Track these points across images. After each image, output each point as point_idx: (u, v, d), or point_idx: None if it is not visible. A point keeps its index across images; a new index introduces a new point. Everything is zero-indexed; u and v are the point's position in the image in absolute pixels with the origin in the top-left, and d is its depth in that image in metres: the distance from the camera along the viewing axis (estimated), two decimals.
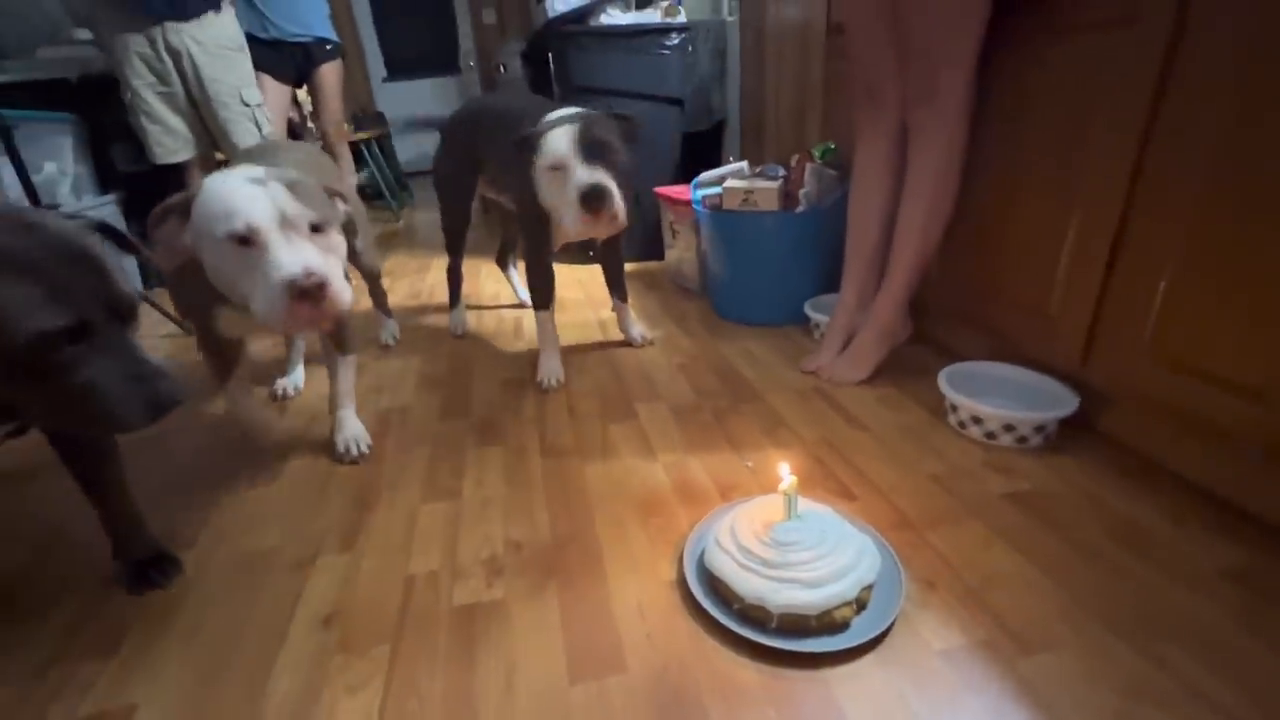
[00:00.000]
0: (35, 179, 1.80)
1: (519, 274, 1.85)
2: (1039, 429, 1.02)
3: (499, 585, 0.79)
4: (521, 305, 1.87)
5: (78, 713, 0.65)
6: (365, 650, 0.71)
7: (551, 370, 1.35)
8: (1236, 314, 0.80)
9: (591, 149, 1.12)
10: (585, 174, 1.10)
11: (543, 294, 1.36)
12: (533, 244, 1.33)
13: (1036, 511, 0.88)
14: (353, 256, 1.29)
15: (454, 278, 1.69)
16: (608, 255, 1.49)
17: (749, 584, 0.70)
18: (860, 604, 0.71)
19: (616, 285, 1.51)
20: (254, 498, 1.01)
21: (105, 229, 0.68)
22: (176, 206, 0.79)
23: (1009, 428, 1.03)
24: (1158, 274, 0.90)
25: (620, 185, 1.13)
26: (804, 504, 0.79)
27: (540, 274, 1.35)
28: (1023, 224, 1.12)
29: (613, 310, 1.56)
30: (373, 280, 1.56)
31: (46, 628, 0.77)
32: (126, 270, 1.46)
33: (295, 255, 0.75)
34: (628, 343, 1.54)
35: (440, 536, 0.89)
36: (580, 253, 2.14)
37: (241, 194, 0.76)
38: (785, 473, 0.76)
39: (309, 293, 0.75)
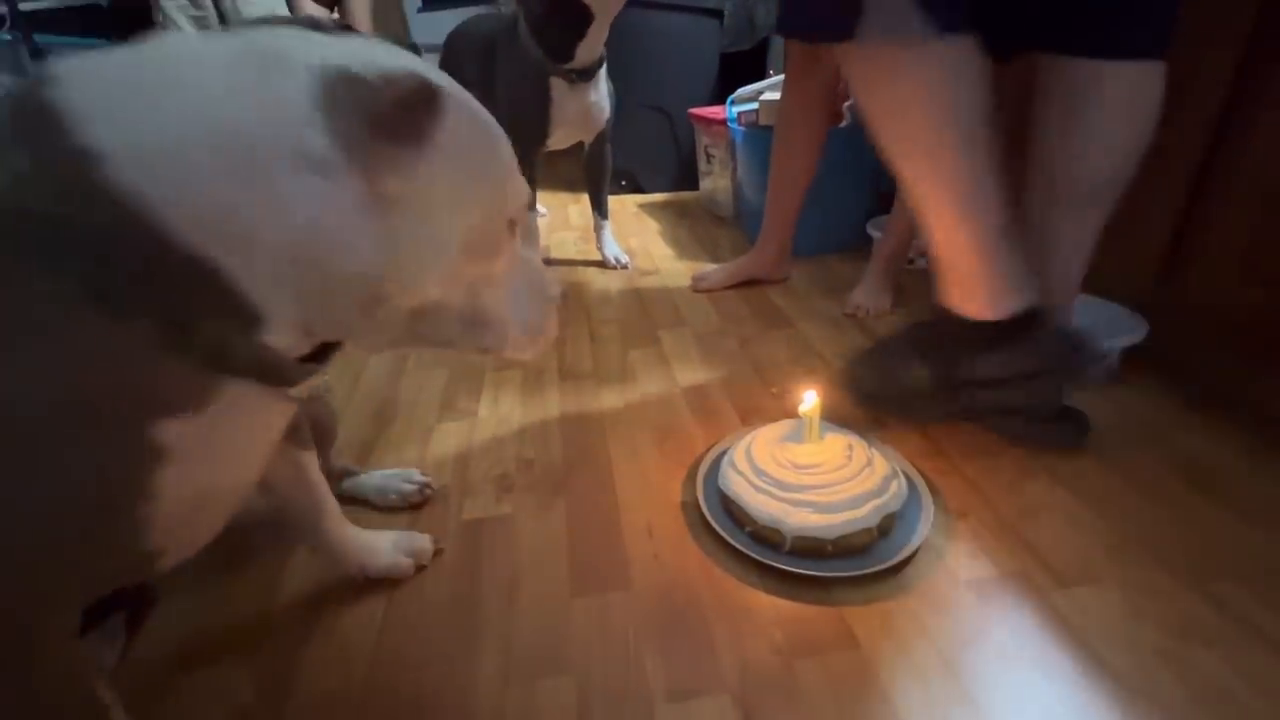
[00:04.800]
0: None
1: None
2: (1100, 359, 0.93)
3: (508, 501, 0.78)
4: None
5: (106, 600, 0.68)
6: None
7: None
8: None
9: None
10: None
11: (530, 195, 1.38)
12: (523, 146, 1.37)
13: (1089, 444, 0.80)
14: None
15: None
16: (593, 162, 1.48)
17: (763, 506, 0.67)
18: (882, 531, 0.66)
19: (598, 198, 1.50)
20: None
21: None
22: (402, 117, 0.35)
23: None
24: (1252, 187, 0.78)
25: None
26: (828, 429, 0.74)
27: (527, 176, 1.36)
28: None
29: (594, 230, 1.54)
30: None
31: None
32: None
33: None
34: (602, 263, 1.53)
35: (453, 454, 0.88)
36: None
37: (507, 143, 0.42)
38: (810, 397, 0.71)
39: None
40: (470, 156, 0.36)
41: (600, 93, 1.33)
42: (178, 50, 0.30)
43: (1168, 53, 0.72)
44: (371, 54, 0.32)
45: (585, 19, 1.15)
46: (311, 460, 0.59)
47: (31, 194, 0.26)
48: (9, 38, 1.62)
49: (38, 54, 1.66)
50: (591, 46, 1.21)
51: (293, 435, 0.54)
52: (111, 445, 0.29)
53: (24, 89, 0.28)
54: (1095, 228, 0.81)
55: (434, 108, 0.32)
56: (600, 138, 1.42)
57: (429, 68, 0.35)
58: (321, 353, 0.39)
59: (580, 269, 1.54)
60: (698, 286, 1.36)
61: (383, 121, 0.30)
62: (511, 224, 0.42)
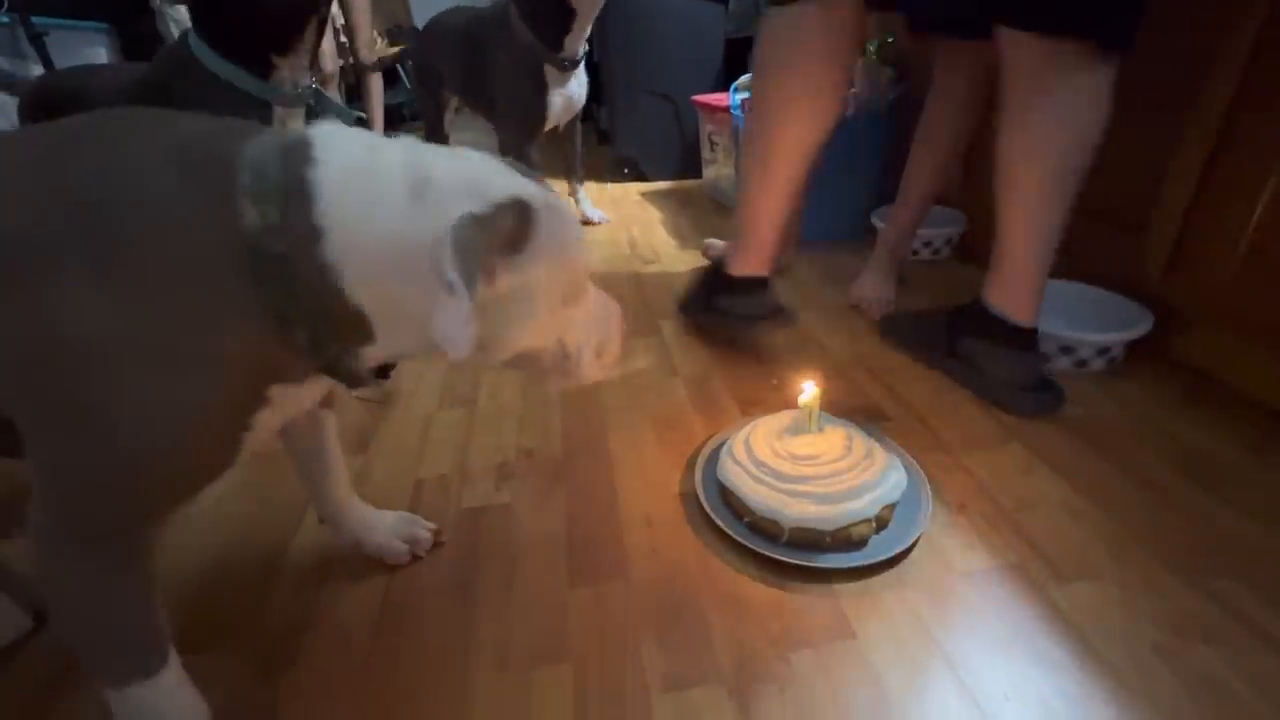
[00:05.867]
0: None
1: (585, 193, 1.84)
2: (1102, 351, 0.92)
3: (507, 490, 0.78)
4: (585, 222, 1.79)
5: None
6: None
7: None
8: None
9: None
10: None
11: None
12: (526, 130, 1.48)
13: (1088, 437, 0.80)
14: None
15: None
16: (569, 136, 1.67)
17: (761, 496, 0.67)
18: (880, 523, 0.66)
19: (574, 165, 1.73)
20: None
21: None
22: (512, 237, 0.43)
23: (1067, 349, 0.93)
24: (1264, 177, 0.77)
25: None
26: (827, 420, 0.74)
27: (529, 159, 1.47)
28: None
29: (570, 194, 1.74)
30: None
31: None
32: None
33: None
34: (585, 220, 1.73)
35: (453, 442, 0.88)
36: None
37: (574, 219, 0.49)
38: (809, 388, 0.70)
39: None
40: (560, 240, 0.45)
41: (581, 80, 1.49)
42: (385, 160, 0.40)
43: (1128, 45, 0.73)
44: (482, 177, 0.42)
45: (571, 15, 1.29)
46: (330, 420, 0.64)
47: (273, 239, 0.38)
48: (7, 20, 1.61)
49: (35, 37, 1.64)
50: (577, 39, 1.35)
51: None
52: (245, 393, 0.42)
53: (294, 152, 0.39)
54: (1057, 215, 0.80)
55: (530, 219, 0.42)
56: (575, 117, 1.61)
57: (523, 184, 0.44)
58: (386, 370, 0.50)
59: None
60: (708, 252, 1.39)
61: (497, 245, 0.41)
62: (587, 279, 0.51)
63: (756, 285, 1.03)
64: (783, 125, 0.91)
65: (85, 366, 0.36)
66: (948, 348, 0.94)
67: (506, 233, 0.41)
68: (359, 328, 0.42)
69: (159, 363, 0.37)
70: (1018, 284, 0.85)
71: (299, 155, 0.39)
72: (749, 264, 1.02)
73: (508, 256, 0.42)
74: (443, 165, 0.41)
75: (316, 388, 0.48)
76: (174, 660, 0.47)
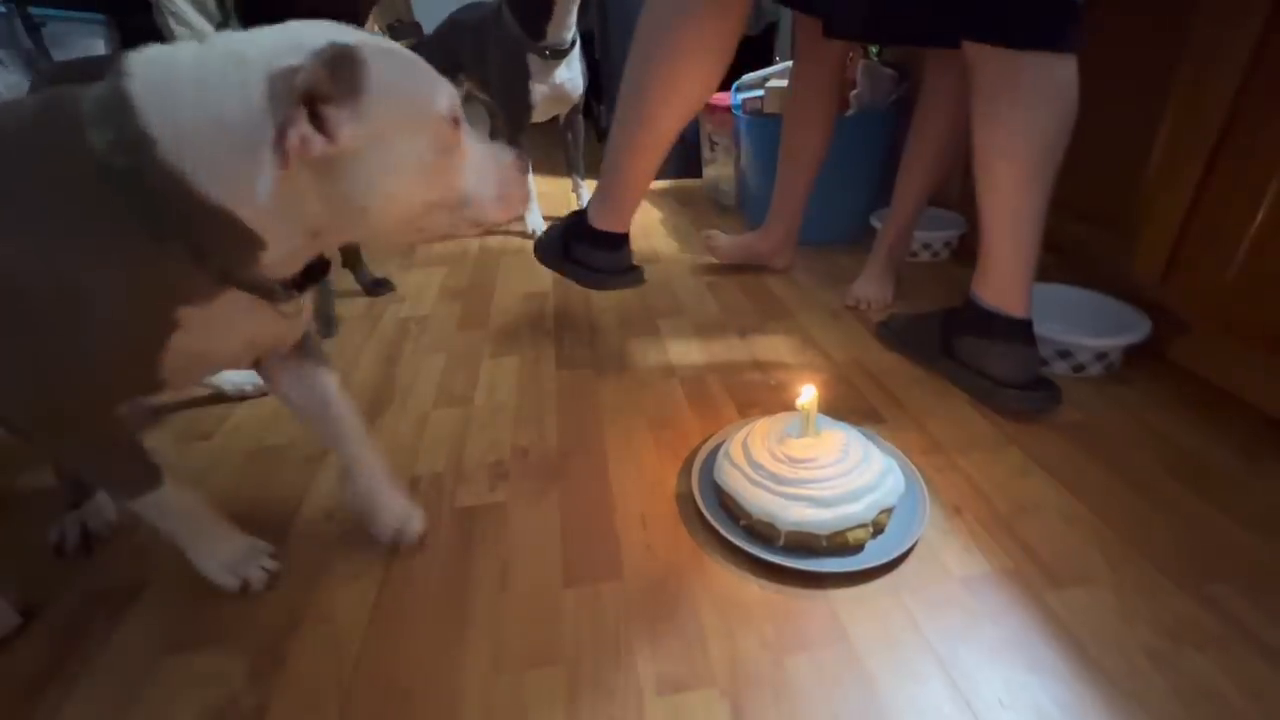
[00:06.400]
0: None
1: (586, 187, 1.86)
2: (1100, 356, 0.92)
3: (502, 489, 0.78)
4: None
5: (97, 584, 0.68)
6: (366, 543, 0.70)
7: (533, 223, 1.67)
8: None
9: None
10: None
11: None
12: (513, 115, 1.54)
13: (1085, 442, 0.80)
14: None
15: None
16: (568, 129, 1.70)
17: (758, 499, 0.66)
18: (877, 527, 0.66)
19: (574, 159, 1.76)
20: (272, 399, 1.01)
21: None
22: (331, 86, 0.41)
23: (1064, 354, 0.93)
24: (1265, 181, 0.77)
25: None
26: (825, 423, 0.73)
27: (518, 144, 1.51)
28: (1102, 122, 0.98)
29: (573, 189, 1.79)
30: None
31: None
32: None
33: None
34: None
35: (448, 440, 0.88)
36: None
37: (424, 64, 0.49)
38: (808, 390, 0.70)
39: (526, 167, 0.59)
40: (403, 85, 0.45)
41: (574, 70, 1.50)
42: (201, 55, 0.41)
43: (1078, 48, 0.75)
44: (302, 37, 0.42)
45: (550, 3, 1.32)
46: (328, 378, 0.66)
47: (116, 156, 0.40)
48: (4, 10, 1.59)
49: (33, 27, 1.63)
50: (558, 26, 1.37)
51: (307, 351, 0.65)
52: (146, 315, 0.46)
53: (116, 76, 0.41)
54: (1037, 205, 0.82)
55: (356, 64, 0.42)
56: (574, 109, 1.63)
57: (351, 35, 0.44)
58: (304, 283, 0.53)
59: None
60: (708, 243, 1.40)
61: (324, 92, 0.40)
62: (454, 120, 0.50)
63: (617, 241, 1.04)
64: (669, 80, 0.90)
65: None
66: (943, 348, 0.94)
67: (329, 79, 0.40)
68: (233, 228, 0.43)
69: (55, 289, 0.42)
70: (1007, 278, 0.85)
71: (117, 76, 0.41)
72: (610, 220, 1.03)
73: (343, 107, 0.41)
74: (261, 39, 0.42)
75: (247, 317, 0.50)
76: (167, 477, 0.59)
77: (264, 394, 0.99)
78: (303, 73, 0.39)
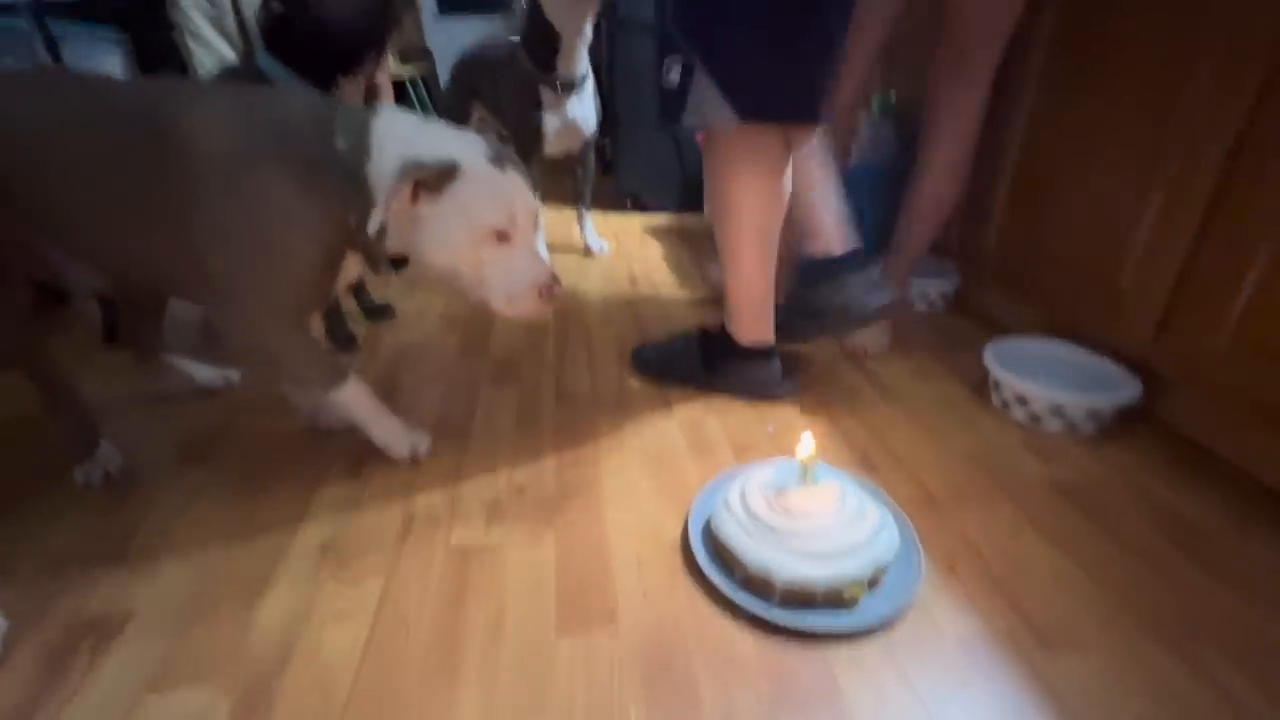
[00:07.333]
0: None
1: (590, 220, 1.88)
2: (1092, 415, 0.93)
3: (497, 530, 0.77)
4: (586, 252, 1.83)
5: (81, 613, 0.67)
6: (358, 580, 0.70)
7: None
8: None
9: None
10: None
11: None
12: (525, 146, 1.58)
13: (1078, 501, 0.81)
14: None
15: None
16: (580, 163, 1.74)
17: (755, 552, 0.66)
18: (872, 583, 0.66)
19: (582, 191, 1.78)
20: (268, 419, 1.01)
21: None
22: (431, 180, 0.70)
23: (1058, 412, 0.94)
24: (1255, 247, 0.79)
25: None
26: (824, 470, 0.74)
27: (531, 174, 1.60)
28: (1096, 186, 1.01)
29: (578, 220, 1.82)
30: None
31: (61, 524, 0.79)
32: None
33: (542, 254, 0.73)
34: (586, 249, 1.82)
35: (445, 473, 0.87)
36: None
37: (506, 183, 0.73)
38: (807, 440, 0.71)
39: (551, 290, 0.78)
40: (471, 197, 0.72)
41: (586, 108, 1.54)
42: (411, 128, 0.72)
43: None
44: (449, 147, 0.72)
45: (557, 38, 1.38)
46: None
47: (348, 155, 0.70)
48: (25, 25, 1.62)
49: (51, 43, 1.65)
50: (568, 61, 1.43)
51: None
52: (337, 251, 0.75)
53: (365, 111, 0.73)
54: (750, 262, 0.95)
55: (454, 175, 0.71)
56: (586, 146, 1.68)
57: (472, 154, 0.72)
58: (400, 261, 0.79)
59: (582, 291, 1.54)
60: (707, 277, 1.44)
61: (426, 181, 0.70)
62: (502, 234, 0.74)
63: (770, 352, 1.04)
64: (756, 223, 0.94)
65: (267, 226, 0.70)
66: (703, 368, 1.06)
67: (429, 176, 0.69)
68: (369, 203, 0.70)
69: (298, 225, 0.71)
70: (743, 314, 1.00)
71: (367, 113, 0.72)
72: (756, 330, 1.02)
73: (431, 193, 0.71)
74: (427, 133, 0.72)
75: (352, 263, 0.78)
76: (352, 375, 0.83)
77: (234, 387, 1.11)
78: (420, 169, 0.68)
